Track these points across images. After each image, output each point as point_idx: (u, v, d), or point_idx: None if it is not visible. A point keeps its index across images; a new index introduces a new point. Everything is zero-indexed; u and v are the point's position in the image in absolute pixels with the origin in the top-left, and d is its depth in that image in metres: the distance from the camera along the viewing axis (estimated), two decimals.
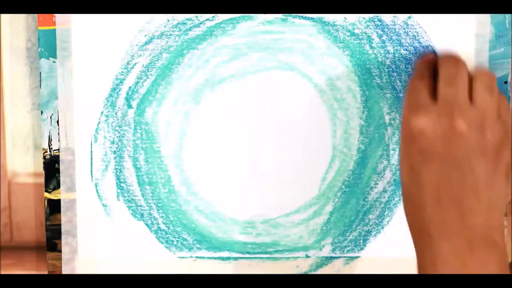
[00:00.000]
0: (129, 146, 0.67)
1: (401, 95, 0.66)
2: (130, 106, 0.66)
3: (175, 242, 0.68)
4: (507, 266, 0.58)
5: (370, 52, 0.66)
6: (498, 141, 0.58)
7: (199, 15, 0.65)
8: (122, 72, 0.66)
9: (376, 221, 0.68)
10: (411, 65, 0.66)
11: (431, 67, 0.62)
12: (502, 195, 0.59)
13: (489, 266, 0.57)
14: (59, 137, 0.66)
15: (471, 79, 0.60)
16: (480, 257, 0.57)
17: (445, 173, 0.57)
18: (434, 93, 0.59)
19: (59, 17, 0.65)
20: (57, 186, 0.67)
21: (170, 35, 0.66)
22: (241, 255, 0.68)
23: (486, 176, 0.58)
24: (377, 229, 0.68)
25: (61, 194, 0.67)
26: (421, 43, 0.66)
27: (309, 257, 0.68)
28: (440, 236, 0.57)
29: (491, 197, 0.58)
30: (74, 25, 0.66)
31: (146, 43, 0.66)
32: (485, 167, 0.58)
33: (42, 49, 0.66)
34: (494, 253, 0.57)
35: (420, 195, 0.58)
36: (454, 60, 0.61)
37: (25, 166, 0.68)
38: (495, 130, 0.58)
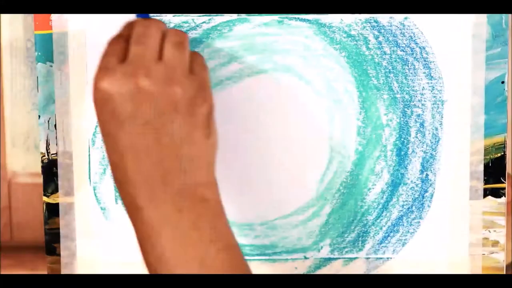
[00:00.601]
0: None
1: (398, 96, 0.66)
2: None
3: None
4: (223, 222, 0.57)
5: (366, 53, 0.66)
6: (191, 97, 0.56)
7: (195, 18, 0.65)
8: None
9: (374, 222, 0.68)
10: (407, 66, 0.66)
11: (130, 30, 0.59)
12: (205, 151, 0.57)
13: (200, 225, 0.55)
14: (56, 141, 0.66)
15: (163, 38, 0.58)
16: (189, 217, 0.55)
17: (140, 135, 0.55)
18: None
19: (55, 21, 0.65)
20: (55, 190, 0.67)
21: None
22: None
23: (181, 134, 0.55)
24: (375, 230, 0.68)
25: (59, 198, 0.67)
26: (417, 43, 0.66)
27: (308, 258, 0.68)
28: (148, 206, 0.55)
29: (191, 154, 0.56)
30: (70, 29, 0.65)
31: None
32: (179, 125, 0.55)
33: (39, 53, 0.65)
34: (205, 211, 0.56)
35: (122, 162, 0.55)
36: (146, 20, 0.59)
37: (25, 166, 0.68)
38: (186, 86, 0.56)
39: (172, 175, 0.55)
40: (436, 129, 0.67)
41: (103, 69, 0.56)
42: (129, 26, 0.59)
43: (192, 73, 0.58)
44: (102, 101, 0.55)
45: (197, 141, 0.56)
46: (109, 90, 0.55)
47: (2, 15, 0.66)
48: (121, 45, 0.57)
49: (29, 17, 0.66)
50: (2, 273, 0.69)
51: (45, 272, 0.68)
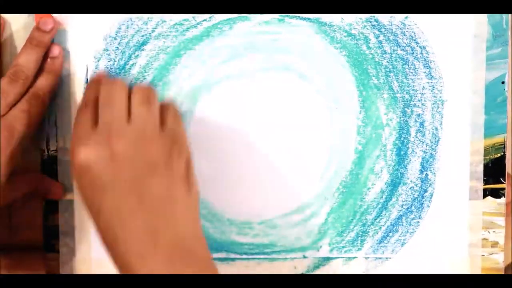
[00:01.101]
0: None
1: (398, 95, 0.66)
2: None
3: None
4: (212, 271, 0.57)
5: (367, 52, 0.66)
6: (166, 153, 0.57)
7: (196, 15, 0.65)
8: (119, 73, 0.66)
9: (374, 222, 0.68)
10: (408, 65, 0.66)
11: (96, 92, 0.60)
12: (187, 208, 0.58)
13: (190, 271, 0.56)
14: (57, 138, 0.66)
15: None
16: (180, 269, 0.55)
17: (122, 198, 0.56)
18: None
19: (56, 18, 0.65)
20: None
21: (167, 35, 0.66)
22: (239, 256, 0.68)
23: (162, 193, 0.56)
24: (375, 230, 0.68)
25: None
26: (418, 43, 0.66)
27: (307, 257, 0.68)
28: (140, 263, 0.55)
29: (177, 210, 0.57)
30: (70, 26, 0.66)
31: (143, 44, 0.66)
32: (158, 184, 0.56)
33: None
34: (194, 262, 0.56)
35: (109, 226, 0.56)
36: (111, 80, 0.60)
37: (25, 166, 0.68)
38: (159, 143, 0.57)
39: (160, 232, 0.56)
40: (436, 129, 0.67)
41: (77, 140, 0.57)
42: (94, 89, 0.60)
43: (164, 126, 0.58)
44: (81, 172, 0.56)
45: (178, 198, 0.57)
46: (86, 161, 0.56)
47: (2, 15, 0.66)
48: (90, 111, 0.58)
49: (31, 17, 0.66)
50: (2, 273, 0.69)
51: (44, 270, 0.68)
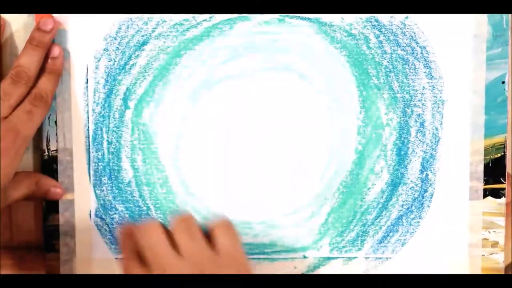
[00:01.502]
0: (127, 146, 0.67)
1: (398, 95, 0.66)
2: (127, 107, 0.67)
3: None
4: None
5: (367, 52, 0.66)
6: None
7: (196, 15, 0.66)
8: (119, 72, 0.66)
9: (374, 222, 0.68)
10: (408, 65, 0.66)
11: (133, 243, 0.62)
12: None
13: None
14: (57, 138, 0.66)
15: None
16: None
17: None
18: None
19: (57, 18, 0.65)
20: None
21: (167, 35, 0.66)
22: None
23: None
24: (375, 230, 0.68)
25: None
26: (418, 43, 0.66)
27: (307, 257, 0.68)
28: None
29: None
30: (70, 26, 0.66)
31: (143, 44, 0.66)
32: None
33: None
34: None
35: None
36: (185, 215, 0.62)
37: (25, 165, 0.68)
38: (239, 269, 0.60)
39: None
40: (436, 129, 0.67)
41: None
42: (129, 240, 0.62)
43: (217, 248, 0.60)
44: None
45: None
46: None
47: (2, 15, 0.66)
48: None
49: (31, 17, 0.66)
50: (2, 273, 0.69)
51: (44, 270, 0.68)
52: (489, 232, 0.67)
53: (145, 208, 0.67)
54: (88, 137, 0.67)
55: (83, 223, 0.67)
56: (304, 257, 0.68)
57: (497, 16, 0.65)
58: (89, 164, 0.67)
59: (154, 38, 0.66)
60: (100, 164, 0.67)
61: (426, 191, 0.67)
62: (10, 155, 0.61)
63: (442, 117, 0.67)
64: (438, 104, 0.66)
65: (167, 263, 0.59)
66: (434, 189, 0.67)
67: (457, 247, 0.68)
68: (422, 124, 0.67)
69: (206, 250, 0.60)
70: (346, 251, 0.68)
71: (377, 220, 0.68)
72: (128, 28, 0.66)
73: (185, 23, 0.66)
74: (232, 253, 0.60)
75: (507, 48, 0.65)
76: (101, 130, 0.67)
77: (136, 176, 0.67)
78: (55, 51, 0.65)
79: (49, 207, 0.67)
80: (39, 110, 0.63)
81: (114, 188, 0.67)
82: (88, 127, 0.67)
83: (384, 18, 0.66)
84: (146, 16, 0.66)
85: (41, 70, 0.64)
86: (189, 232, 0.60)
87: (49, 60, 0.65)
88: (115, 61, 0.66)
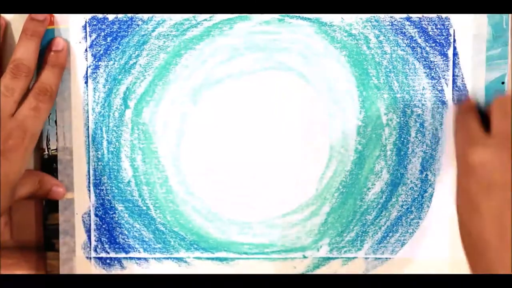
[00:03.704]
0: (127, 146, 0.67)
1: (398, 95, 0.66)
2: (127, 106, 0.67)
3: (172, 243, 0.68)
4: None
5: (367, 52, 0.66)
6: None
7: (196, 15, 0.66)
8: (119, 72, 0.66)
9: (373, 222, 0.68)
10: (408, 66, 0.66)
11: (474, 106, 0.62)
12: None
13: None
14: (57, 137, 0.67)
15: None
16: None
17: (506, 205, 0.56)
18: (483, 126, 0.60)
19: (57, 17, 0.65)
20: None
21: (167, 35, 0.66)
22: (238, 256, 0.68)
23: None
24: (374, 230, 0.68)
25: None
26: (418, 43, 0.66)
27: (307, 257, 0.68)
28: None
29: None
30: (72, 25, 0.66)
31: (143, 43, 0.66)
32: None
33: (40, 49, 0.66)
34: None
35: (482, 232, 0.57)
36: (506, 97, 0.60)
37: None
38: None
39: None
40: (436, 129, 0.67)
41: (473, 139, 0.59)
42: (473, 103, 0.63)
43: None
44: (472, 169, 0.58)
45: None
46: (482, 160, 0.57)
47: (2, 15, 0.66)
48: (478, 116, 0.61)
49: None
50: (2, 273, 0.69)
51: (44, 270, 0.68)
52: None
53: (144, 207, 0.67)
54: (88, 137, 0.67)
55: (83, 222, 0.67)
56: (304, 257, 0.68)
57: (497, 16, 0.65)
58: (88, 163, 0.67)
59: (154, 37, 0.66)
60: (99, 163, 0.67)
61: (425, 191, 0.67)
62: (20, 152, 0.61)
63: (442, 117, 0.67)
64: (438, 104, 0.66)
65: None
66: (433, 189, 0.67)
67: (456, 247, 0.67)
68: (422, 125, 0.67)
69: None
70: (345, 251, 0.68)
71: (377, 220, 0.68)
72: (128, 27, 0.66)
73: (185, 22, 0.66)
74: None
75: (507, 48, 0.65)
76: (101, 129, 0.67)
77: (136, 175, 0.67)
78: (59, 44, 0.64)
79: (49, 207, 0.67)
80: (44, 105, 0.63)
81: (113, 188, 0.67)
82: (88, 126, 0.67)
83: (384, 18, 0.66)
84: (146, 15, 0.66)
85: (44, 64, 0.64)
86: (508, 111, 0.59)
87: (52, 53, 0.64)
88: (115, 60, 0.66)
